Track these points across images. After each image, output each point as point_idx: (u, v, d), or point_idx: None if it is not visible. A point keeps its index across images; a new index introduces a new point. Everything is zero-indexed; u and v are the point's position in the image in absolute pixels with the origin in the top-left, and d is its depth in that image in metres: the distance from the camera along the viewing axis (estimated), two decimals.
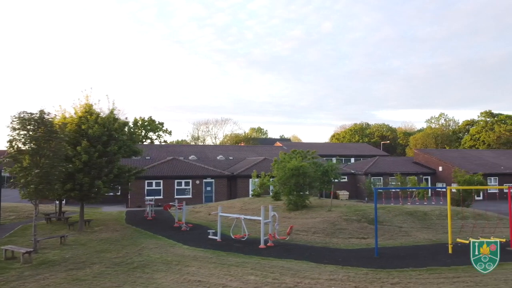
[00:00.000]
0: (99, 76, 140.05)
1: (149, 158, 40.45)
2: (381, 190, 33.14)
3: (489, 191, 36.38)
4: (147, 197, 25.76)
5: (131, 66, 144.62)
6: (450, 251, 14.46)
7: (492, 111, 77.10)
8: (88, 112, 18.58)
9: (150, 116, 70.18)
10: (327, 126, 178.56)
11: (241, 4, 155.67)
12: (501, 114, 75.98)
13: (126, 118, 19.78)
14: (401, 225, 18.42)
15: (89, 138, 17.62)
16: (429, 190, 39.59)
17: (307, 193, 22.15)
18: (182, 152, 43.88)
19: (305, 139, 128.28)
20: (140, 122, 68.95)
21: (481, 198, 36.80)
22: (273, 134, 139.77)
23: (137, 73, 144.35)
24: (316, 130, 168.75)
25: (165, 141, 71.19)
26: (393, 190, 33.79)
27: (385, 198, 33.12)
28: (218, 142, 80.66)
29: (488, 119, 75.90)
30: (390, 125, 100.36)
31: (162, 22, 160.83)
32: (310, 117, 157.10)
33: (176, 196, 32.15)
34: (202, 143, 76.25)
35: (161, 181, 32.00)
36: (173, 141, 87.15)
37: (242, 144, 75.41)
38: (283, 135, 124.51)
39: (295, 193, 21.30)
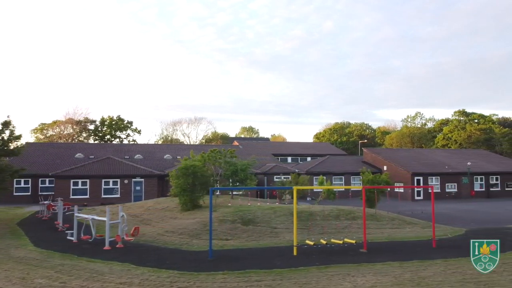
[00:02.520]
0: (99, 76, 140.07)
1: (93, 157, 40.16)
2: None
3: (429, 191, 35.83)
4: (41, 198, 25.40)
5: (132, 66, 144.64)
6: (295, 253, 14.03)
7: (466, 110, 76.51)
8: None
9: (119, 115, 69.94)
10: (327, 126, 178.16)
11: (242, 4, 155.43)
12: (474, 113, 75.30)
13: (8, 116, 19.45)
14: (277, 226, 17.97)
15: None
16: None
17: (218, 194, 21.69)
18: (130, 151, 43.58)
19: (305, 139, 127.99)
20: (107, 121, 68.63)
21: (421, 197, 36.33)
22: (267, 133, 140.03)
23: (138, 72, 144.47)
24: (316, 130, 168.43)
25: (134, 140, 70.89)
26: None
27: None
28: (191, 142, 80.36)
29: (461, 118, 75.24)
30: (370, 124, 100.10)
31: (163, 22, 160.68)
32: (311, 116, 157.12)
33: (103, 196, 31.84)
34: (171, 143, 75.82)
35: (88, 180, 31.63)
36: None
37: (219, 143, 75.16)
38: (274, 134, 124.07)
39: (187, 193, 20.87)
